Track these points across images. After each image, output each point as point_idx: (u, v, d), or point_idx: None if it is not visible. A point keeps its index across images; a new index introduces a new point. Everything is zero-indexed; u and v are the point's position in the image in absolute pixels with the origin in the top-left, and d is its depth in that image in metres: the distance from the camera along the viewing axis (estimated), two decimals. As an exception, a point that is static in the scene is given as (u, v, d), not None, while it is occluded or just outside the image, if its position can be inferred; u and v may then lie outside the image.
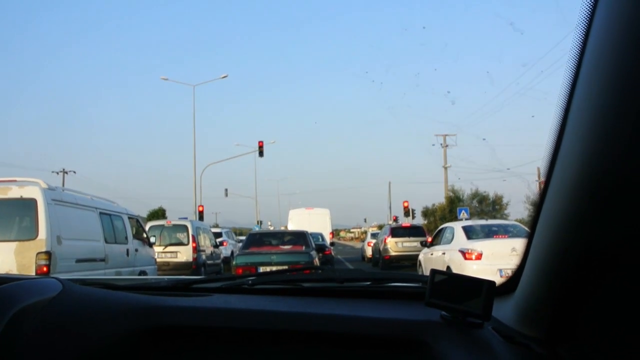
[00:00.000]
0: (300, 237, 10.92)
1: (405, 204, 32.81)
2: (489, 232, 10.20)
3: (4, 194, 6.90)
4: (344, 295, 1.56)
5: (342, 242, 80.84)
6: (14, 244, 6.74)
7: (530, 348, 1.02)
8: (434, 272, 1.27)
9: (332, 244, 20.08)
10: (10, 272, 6.53)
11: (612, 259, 0.77)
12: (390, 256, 18.11)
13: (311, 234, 12.27)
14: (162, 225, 14.39)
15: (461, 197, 38.14)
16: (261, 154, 28.02)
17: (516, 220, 15.45)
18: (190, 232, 14.05)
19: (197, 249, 14.06)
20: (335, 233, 38.11)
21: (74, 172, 43.64)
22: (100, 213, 8.49)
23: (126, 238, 9.40)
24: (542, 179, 0.90)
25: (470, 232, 10.13)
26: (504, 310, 1.19)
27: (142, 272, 9.68)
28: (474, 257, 9.08)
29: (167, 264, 13.44)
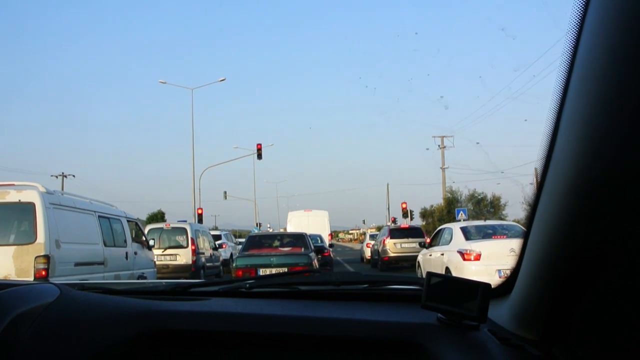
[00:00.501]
0: (299, 239, 10.94)
1: (404, 206, 32.86)
2: (488, 233, 10.19)
3: (3, 198, 6.87)
4: (341, 298, 1.57)
5: (341, 243, 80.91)
6: (12, 248, 6.72)
7: (526, 350, 1.02)
8: (430, 274, 1.28)
9: (331, 245, 20.11)
10: (9, 277, 6.53)
11: (605, 259, 0.78)
12: (389, 257, 18.08)
13: (310, 235, 12.29)
14: (161, 228, 14.37)
15: (459, 198, 38.15)
16: (260, 156, 27.99)
17: (514, 221, 15.46)
18: (190, 235, 14.02)
19: (196, 252, 14.03)
20: (334, 235, 38.07)
21: (73, 175, 43.75)
22: (99, 216, 8.47)
23: (125, 241, 9.37)
24: (537, 181, 0.90)
25: (468, 233, 10.11)
26: (500, 312, 1.19)
27: (141, 276, 9.66)
28: (472, 257, 9.08)
29: (167, 266, 13.42)
